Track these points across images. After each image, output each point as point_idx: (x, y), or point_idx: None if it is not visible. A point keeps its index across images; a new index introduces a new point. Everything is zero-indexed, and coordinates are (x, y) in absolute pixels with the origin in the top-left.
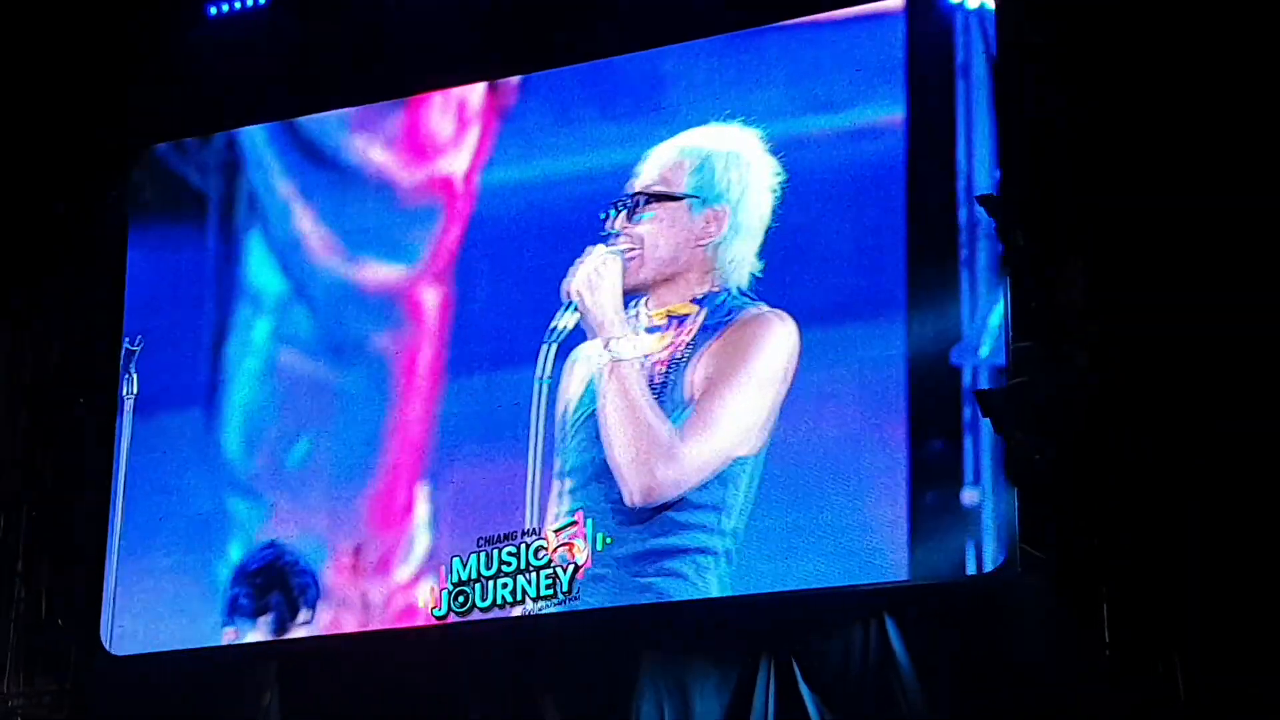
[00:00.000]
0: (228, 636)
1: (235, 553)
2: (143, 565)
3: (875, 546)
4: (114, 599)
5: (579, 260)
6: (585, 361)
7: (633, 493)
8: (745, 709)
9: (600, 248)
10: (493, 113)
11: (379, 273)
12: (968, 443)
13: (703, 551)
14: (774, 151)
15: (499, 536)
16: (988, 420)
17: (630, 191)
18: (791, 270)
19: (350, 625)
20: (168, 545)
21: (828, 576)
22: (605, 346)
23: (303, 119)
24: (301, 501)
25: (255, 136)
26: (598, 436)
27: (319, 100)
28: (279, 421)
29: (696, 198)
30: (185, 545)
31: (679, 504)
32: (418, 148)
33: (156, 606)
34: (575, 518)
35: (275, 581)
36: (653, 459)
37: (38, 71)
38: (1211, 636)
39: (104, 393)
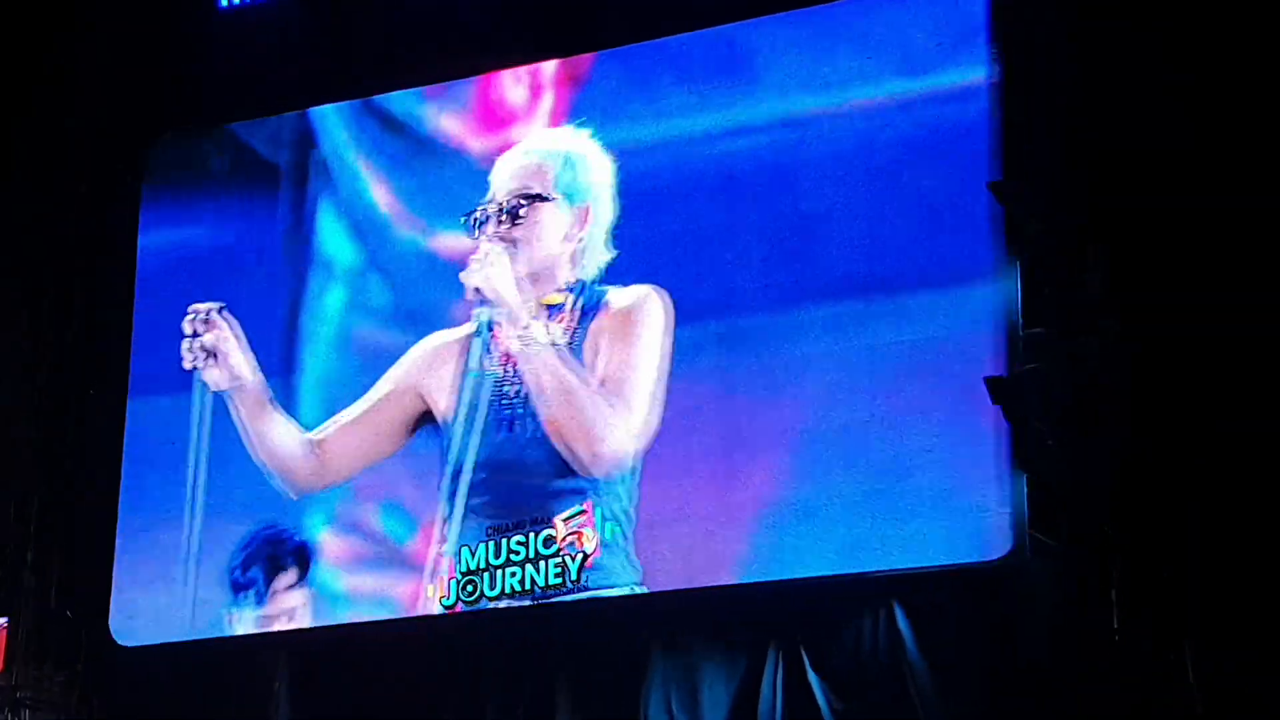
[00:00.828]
0: (230, 618)
1: (317, 529)
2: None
3: (885, 530)
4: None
5: (472, 258)
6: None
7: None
8: (753, 697)
9: (484, 242)
10: (565, 80)
11: (454, 241)
12: None
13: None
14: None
15: (508, 525)
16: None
17: (498, 198)
18: (863, 240)
19: (437, 594)
20: (240, 516)
21: (834, 563)
22: (519, 332)
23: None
24: (382, 474)
25: (326, 108)
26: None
27: (389, 81)
28: (357, 391)
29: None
30: (261, 517)
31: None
32: (491, 116)
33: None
34: (584, 506)
35: (256, 560)
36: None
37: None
38: (1221, 623)
39: (114, 380)
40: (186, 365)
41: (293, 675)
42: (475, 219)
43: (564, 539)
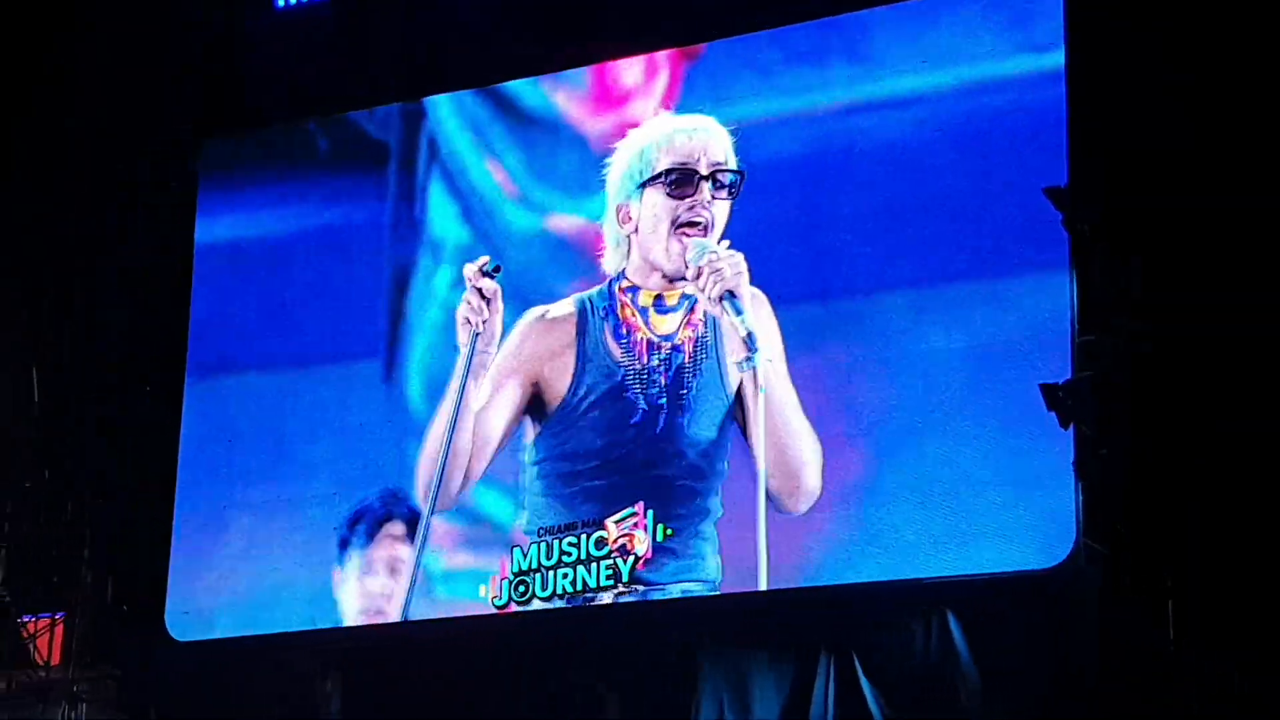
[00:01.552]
0: (335, 575)
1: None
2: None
3: (939, 537)
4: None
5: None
6: None
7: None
8: (805, 703)
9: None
10: (680, 58)
11: (566, 220)
12: None
13: None
14: None
15: (559, 527)
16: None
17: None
18: (960, 222)
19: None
20: (326, 490)
21: (889, 569)
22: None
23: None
24: (486, 454)
25: (439, 97)
26: None
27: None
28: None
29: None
30: (361, 489)
31: None
32: (606, 95)
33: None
34: (636, 508)
35: (367, 511)
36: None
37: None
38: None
39: (170, 376)
40: (471, 318)
41: (344, 673)
42: (676, 176)
43: (615, 541)
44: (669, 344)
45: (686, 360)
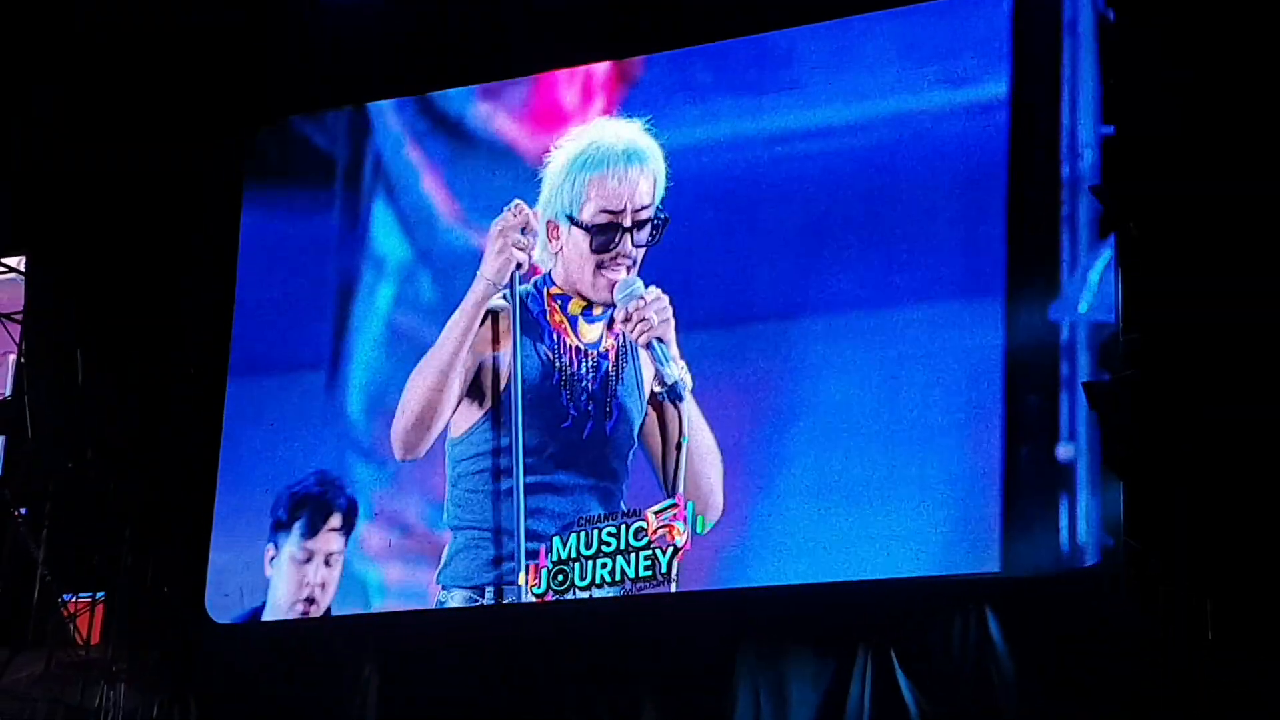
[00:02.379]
0: (268, 553)
1: (359, 518)
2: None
3: (971, 531)
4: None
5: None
6: None
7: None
8: (842, 697)
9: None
10: (617, 83)
11: None
12: (1064, 400)
13: None
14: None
15: (600, 516)
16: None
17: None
18: (897, 245)
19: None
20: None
21: (925, 565)
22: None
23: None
24: (424, 468)
25: (383, 103)
26: None
27: (442, 78)
28: (401, 386)
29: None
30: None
31: None
32: (544, 117)
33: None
34: (676, 500)
35: (308, 496)
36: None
37: (157, 42)
38: None
39: (213, 359)
40: (518, 256)
41: (382, 660)
42: (601, 227)
43: (655, 532)
44: (595, 351)
45: (610, 368)
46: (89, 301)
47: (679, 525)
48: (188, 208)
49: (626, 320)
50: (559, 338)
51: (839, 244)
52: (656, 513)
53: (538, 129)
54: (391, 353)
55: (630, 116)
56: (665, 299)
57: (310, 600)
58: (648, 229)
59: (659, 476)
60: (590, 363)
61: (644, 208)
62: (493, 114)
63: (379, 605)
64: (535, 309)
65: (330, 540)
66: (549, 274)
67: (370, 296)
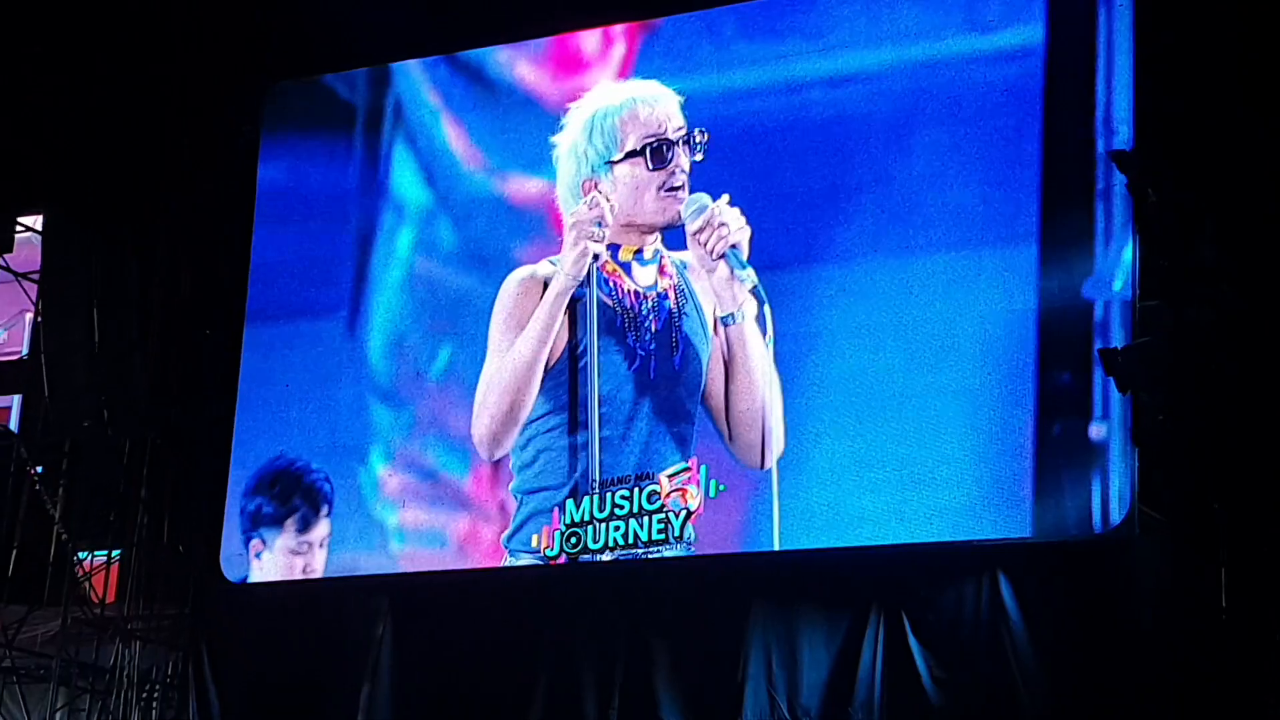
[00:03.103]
0: (255, 547)
1: (377, 463)
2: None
3: (994, 497)
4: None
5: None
6: None
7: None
8: (853, 660)
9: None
10: (637, 31)
11: (524, 186)
12: (1098, 377)
13: None
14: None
15: (613, 480)
16: (1110, 376)
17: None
18: (921, 196)
19: (488, 535)
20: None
21: (942, 530)
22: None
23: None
24: (443, 412)
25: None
26: None
27: (464, 38)
28: (421, 331)
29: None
30: (328, 454)
31: None
32: (563, 62)
33: None
34: (689, 463)
35: (293, 487)
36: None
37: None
38: None
39: (229, 320)
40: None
41: (395, 618)
42: (652, 148)
43: (668, 495)
44: (654, 293)
45: (673, 307)
46: (105, 260)
47: (692, 489)
48: (204, 165)
49: (700, 231)
50: (614, 285)
51: (861, 194)
52: (670, 476)
53: (558, 75)
54: (412, 297)
55: (650, 63)
56: (737, 210)
57: (307, 568)
58: (699, 141)
59: (724, 414)
60: (650, 304)
61: (680, 128)
62: (513, 61)
63: (398, 549)
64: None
65: (324, 527)
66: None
67: (390, 242)
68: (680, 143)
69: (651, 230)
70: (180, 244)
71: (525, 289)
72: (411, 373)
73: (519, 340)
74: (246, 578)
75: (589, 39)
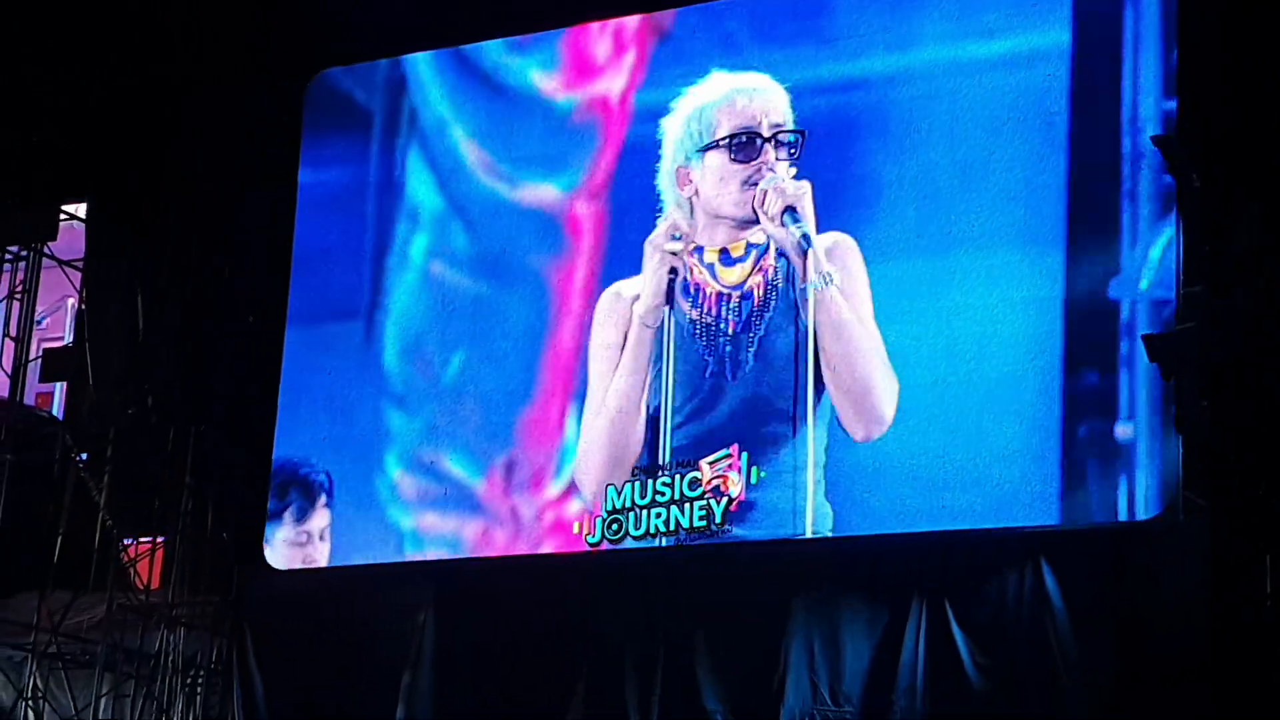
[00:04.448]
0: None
1: (392, 467)
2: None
3: (1029, 487)
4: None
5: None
6: None
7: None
8: (896, 648)
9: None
10: (648, 35)
11: (536, 192)
12: (1123, 377)
13: None
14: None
15: (654, 466)
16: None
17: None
18: (949, 199)
19: (501, 539)
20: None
21: (978, 516)
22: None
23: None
24: (456, 416)
25: (419, 57)
26: None
27: (479, 29)
28: (435, 336)
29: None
30: (344, 458)
31: None
32: (576, 69)
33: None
34: (731, 450)
35: (288, 482)
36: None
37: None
38: None
39: (272, 308)
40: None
41: (439, 605)
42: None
43: (709, 482)
44: (738, 293)
45: (756, 304)
46: (149, 248)
47: (733, 475)
48: (245, 155)
49: (762, 203)
50: (697, 290)
51: (894, 193)
52: (711, 463)
53: (570, 81)
54: (426, 301)
55: (661, 70)
56: (804, 180)
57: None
58: (787, 141)
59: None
60: (732, 305)
61: (779, 124)
62: (525, 67)
63: (413, 554)
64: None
65: (322, 517)
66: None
67: (405, 247)
68: (772, 140)
69: (742, 225)
70: (223, 231)
71: (613, 306)
72: (426, 377)
73: (613, 387)
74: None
75: (600, 44)
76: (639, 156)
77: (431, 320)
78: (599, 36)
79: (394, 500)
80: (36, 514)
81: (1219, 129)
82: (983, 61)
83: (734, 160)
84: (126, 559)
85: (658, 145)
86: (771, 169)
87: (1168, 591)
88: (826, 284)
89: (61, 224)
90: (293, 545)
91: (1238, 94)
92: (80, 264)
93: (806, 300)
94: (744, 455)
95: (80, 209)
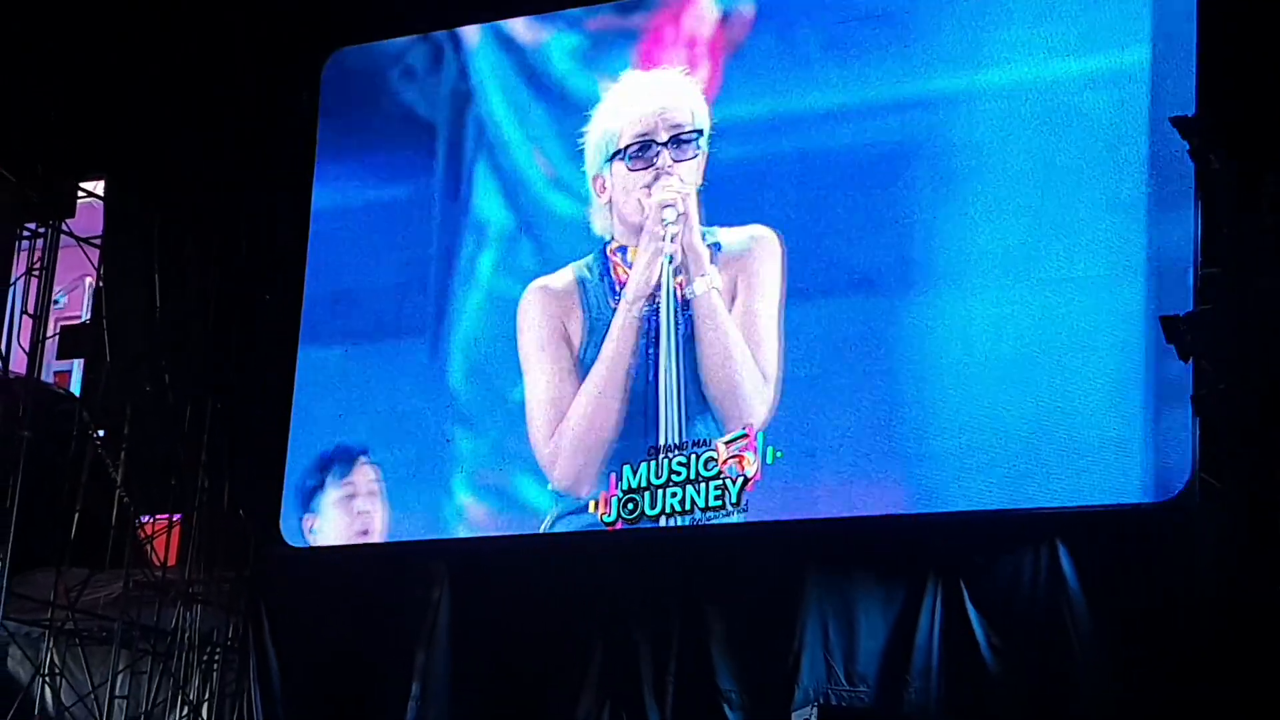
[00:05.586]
0: (308, 524)
1: (459, 488)
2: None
3: (1051, 467)
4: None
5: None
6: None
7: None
8: (911, 628)
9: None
10: (721, 47)
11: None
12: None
13: None
14: None
15: (670, 445)
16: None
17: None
18: (1033, 221)
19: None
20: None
21: (998, 497)
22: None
23: (531, 49)
24: (522, 437)
25: (484, 66)
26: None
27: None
28: (501, 351)
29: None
30: (416, 468)
31: None
32: (649, 83)
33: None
34: (746, 430)
35: (329, 455)
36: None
37: None
38: None
39: (288, 289)
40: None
41: (453, 582)
42: (630, 148)
43: (725, 461)
44: (642, 299)
45: (662, 304)
46: (167, 225)
47: (749, 455)
48: (264, 129)
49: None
50: (622, 288)
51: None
52: (727, 443)
53: (642, 98)
54: (492, 320)
55: (735, 85)
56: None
57: (363, 532)
58: (687, 141)
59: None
60: (653, 304)
61: (678, 125)
62: (597, 79)
63: None
64: (597, 272)
65: (365, 470)
66: (611, 235)
67: (471, 264)
68: (668, 144)
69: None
70: (239, 209)
71: (542, 299)
72: (491, 398)
73: (595, 371)
74: (307, 545)
75: (674, 56)
76: (711, 172)
77: (497, 337)
78: (672, 48)
79: (464, 524)
80: (54, 491)
81: (1239, 109)
82: (1060, 80)
83: (631, 170)
84: (143, 536)
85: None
86: (668, 172)
87: (1183, 574)
88: (709, 289)
89: (80, 201)
90: (341, 505)
91: (1258, 75)
92: (98, 241)
93: (688, 304)
94: (760, 435)
95: (99, 186)
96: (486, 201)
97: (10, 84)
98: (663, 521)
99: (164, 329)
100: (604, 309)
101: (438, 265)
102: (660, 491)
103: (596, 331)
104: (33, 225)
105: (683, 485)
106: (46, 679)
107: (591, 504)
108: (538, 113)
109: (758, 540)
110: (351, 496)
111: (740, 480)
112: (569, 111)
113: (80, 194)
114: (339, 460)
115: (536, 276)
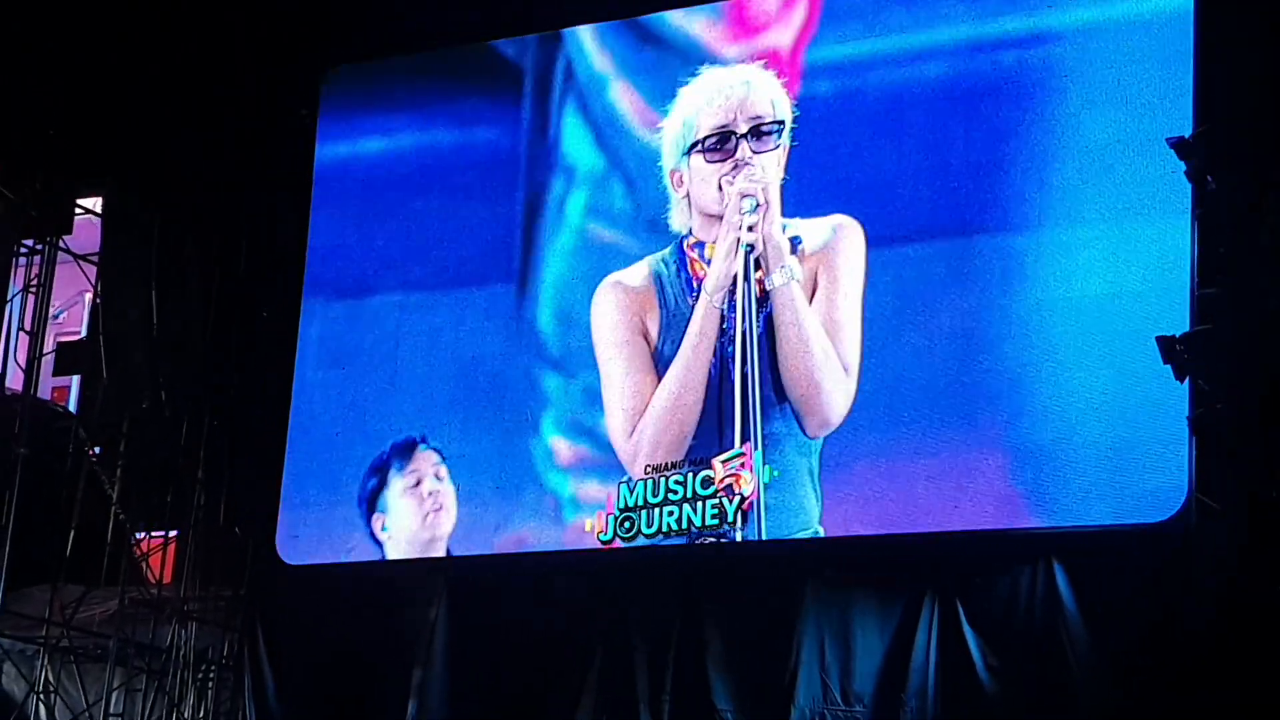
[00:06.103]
0: (377, 523)
1: (548, 429)
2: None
3: (1048, 486)
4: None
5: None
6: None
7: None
8: (907, 647)
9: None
10: None
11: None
12: None
13: None
14: None
15: (666, 465)
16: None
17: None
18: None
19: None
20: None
21: (994, 516)
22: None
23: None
24: (612, 384)
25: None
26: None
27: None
28: (592, 295)
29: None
30: (497, 417)
31: None
32: (741, 22)
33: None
34: (744, 449)
35: (389, 452)
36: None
37: None
38: None
39: (286, 304)
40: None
41: (450, 601)
42: (709, 140)
43: (722, 481)
44: (739, 286)
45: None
46: (164, 242)
47: (745, 474)
48: (264, 129)
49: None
50: (699, 285)
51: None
52: (724, 461)
53: (737, 35)
54: (583, 262)
55: (833, 25)
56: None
57: (439, 509)
58: (767, 132)
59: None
60: (731, 298)
61: (757, 116)
62: (690, 19)
63: (571, 520)
64: (674, 267)
65: (428, 456)
66: (688, 229)
67: (560, 207)
68: (748, 135)
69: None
70: (237, 225)
71: (618, 296)
72: (584, 342)
73: (675, 365)
74: (384, 556)
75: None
76: (807, 115)
77: (588, 281)
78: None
79: (551, 466)
80: (49, 507)
81: (1236, 130)
82: (1111, 23)
83: (709, 161)
84: (139, 553)
85: (814, 107)
86: (748, 163)
87: (1180, 594)
88: (788, 280)
89: (77, 218)
90: (409, 493)
91: (1256, 95)
92: (95, 258)
93: (767, 297)
94: (756, 454)
95: (95, 203)
96: (575, 144)
97: (7, 95)
98: (659, 540)
99: (161, 345)
100: (681, 304)
101: (524, 209)
102: (657, 510)
103: (674, 327)
104: (30, 242)
105: (679, 504)
106: (41, 696)
107: (588, 521)
108: (629, 54)
109: (754, 559)
110: (418, 482)
111: (737, 499)
112: (659, 50)
113: (78, 211)
114: (397, 455)
115: (627, 216)
